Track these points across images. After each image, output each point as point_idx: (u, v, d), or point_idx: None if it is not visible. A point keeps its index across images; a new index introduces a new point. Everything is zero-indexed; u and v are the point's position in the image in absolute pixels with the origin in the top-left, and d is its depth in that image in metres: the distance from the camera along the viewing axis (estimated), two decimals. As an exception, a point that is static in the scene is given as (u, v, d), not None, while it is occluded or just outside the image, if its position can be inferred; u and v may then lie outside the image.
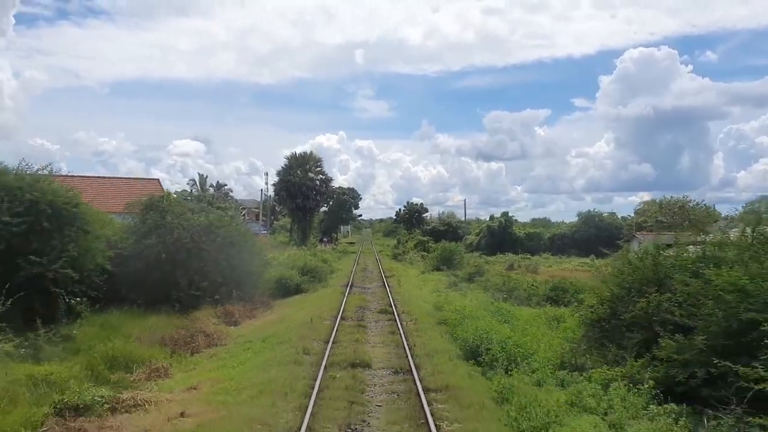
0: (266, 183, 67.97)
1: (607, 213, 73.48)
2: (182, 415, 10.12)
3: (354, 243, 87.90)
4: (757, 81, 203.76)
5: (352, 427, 8.96)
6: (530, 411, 9.04)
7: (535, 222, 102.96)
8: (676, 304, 11.67)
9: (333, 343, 14.60)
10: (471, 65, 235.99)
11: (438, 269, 43.28)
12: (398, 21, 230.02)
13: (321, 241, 74.31)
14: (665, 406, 9.53)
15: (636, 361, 11.44)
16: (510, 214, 73.96)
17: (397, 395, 10.67)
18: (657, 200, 64.87)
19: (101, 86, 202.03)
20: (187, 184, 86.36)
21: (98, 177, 47.66)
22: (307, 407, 9.28)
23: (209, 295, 22.80)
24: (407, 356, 13.11)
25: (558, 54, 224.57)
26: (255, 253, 28.48)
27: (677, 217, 49.02)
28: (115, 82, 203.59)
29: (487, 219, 78.93)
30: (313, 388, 10.42)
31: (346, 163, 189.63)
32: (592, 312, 14.19)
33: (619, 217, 72.32)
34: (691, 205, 56.37)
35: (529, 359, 12.83)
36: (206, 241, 24.44)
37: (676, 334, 10.92)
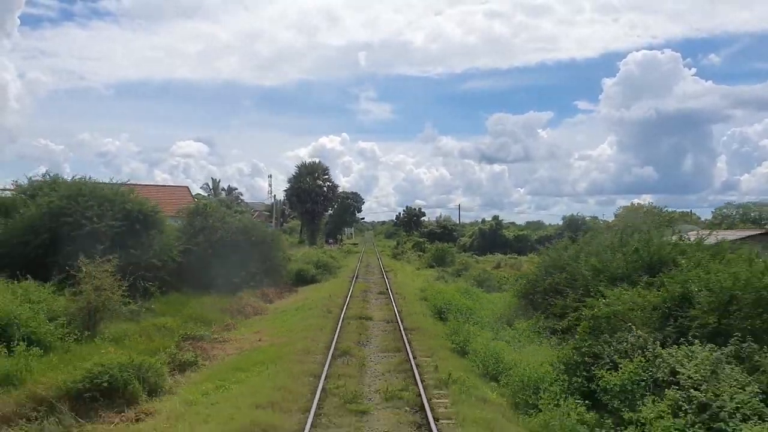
0: (270, 185, 74.71)
1: (589, 217, 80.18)
2: (260, 341, 16.96)
3: (357, 244, 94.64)
4: (761, 84, 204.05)
5: (362, 343, 15.78)
6: (461, 335, 15.83)
7: (529, 224, 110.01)
8: (567, 281, 18.43)
9: (346, 308, 21.42)
10: (474, 68, 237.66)
11: (431, 266, 49.94)
12: (401, 24, 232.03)
13: (326, 242, 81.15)
14: (549, 339, 16.21)
15: (540, 316, 18.18)
16: (500, 218, 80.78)
17: (387, 332, 17.51)
18: (636, 204, 72.10)
19: (105, 88, 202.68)
20: (201, 188, 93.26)
21: (135, 184, 54.41)
22: (335, 334, 16.07)
23: (246, 282, 29.46)
24: (395, 314, 19.94)
25: (561, 57, 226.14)
26: (279, 249, 35.36)
27: (638, 221, 55.82)
28: (120, 83, 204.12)
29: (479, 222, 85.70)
30: (337, 326, 17.23)
31: (348, 164, 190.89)
32: (522, 287, 21.02)
33: (601, 221, 79.02)
34: (662, 209, 63.26)
35: (475, 317, 19.59)
36: (242, 239, 31.29)
37: (565, 298, 17.65)
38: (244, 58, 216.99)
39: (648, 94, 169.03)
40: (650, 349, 10.61)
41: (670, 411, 8.99)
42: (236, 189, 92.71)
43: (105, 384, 11.57)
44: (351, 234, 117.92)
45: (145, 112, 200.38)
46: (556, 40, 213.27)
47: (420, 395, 10.52)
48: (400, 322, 18.31)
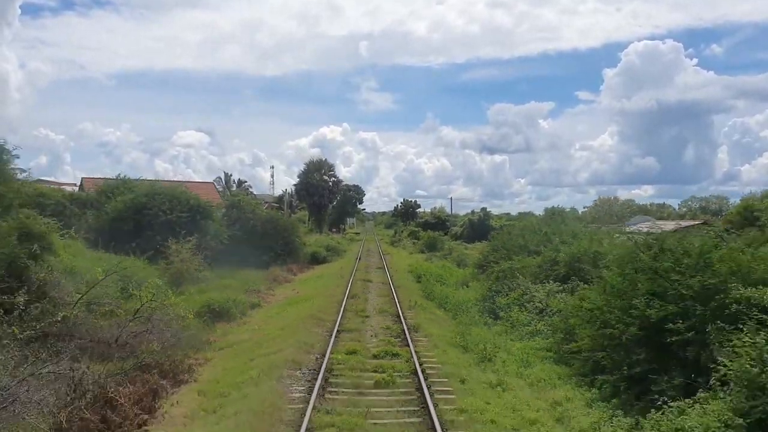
0: (272, 176, 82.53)
1: (569, 208, 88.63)
2: (297, 293, 25.51)
3: (359, 233, 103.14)
4: (763, 75, 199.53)
5: (365, 292, 24.34)
6: (428, 288, 24.39)
7: (520, 216, 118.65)
8: (502, 254, 26.90)
9: (353, 276, 29.98)
10: (476, 58, 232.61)
11: (422, 252, 58.52)
12: (403, 13, 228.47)
13: (330, 230, 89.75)
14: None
15: (484, 278, 26.66)
16: (488, 209, 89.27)
17: (382, 288, 26.13)
18: (612, 198, 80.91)
19: (106, 78, 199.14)
20: (214, 181, 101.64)
21: (166, 181, 63.00)
22: (347, 288, 24.62)
23: (274, 260, 37.93)
24: (388, 279, 28.51)
25: (563, 47, 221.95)
26: (297, 236, 43.91)
27: (602, 213, 64.54)
28: (121, 73, 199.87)
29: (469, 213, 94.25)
30: (348, 284, 25.79)
31: (349, 155, 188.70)
32: (477, 261, 29.59)
33: (580, 212, 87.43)
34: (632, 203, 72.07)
35: (444, 280, 28.13)
36: (269, 227, 39.81)
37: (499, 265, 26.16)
38: (245, 48, 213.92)
39: (649, 85, 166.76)
40: (526, 288, 19.16)
41: (524, 313, 17.54)
42: (246, 182, 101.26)
43: (216, 308, 20.07)
44: (353, 224, 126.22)
45: (146, 102, 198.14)
46: (558, 29, 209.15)
47: (398, 312, 19.04)
48: (390, 283, 26.87)
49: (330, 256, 45.64)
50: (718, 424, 7.61)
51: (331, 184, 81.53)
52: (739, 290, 9.72)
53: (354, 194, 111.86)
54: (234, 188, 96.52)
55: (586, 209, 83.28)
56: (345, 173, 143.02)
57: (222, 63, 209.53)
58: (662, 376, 9.91)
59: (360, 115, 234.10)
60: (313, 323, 16.99)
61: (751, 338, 8.37)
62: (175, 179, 69.83)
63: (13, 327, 11.11)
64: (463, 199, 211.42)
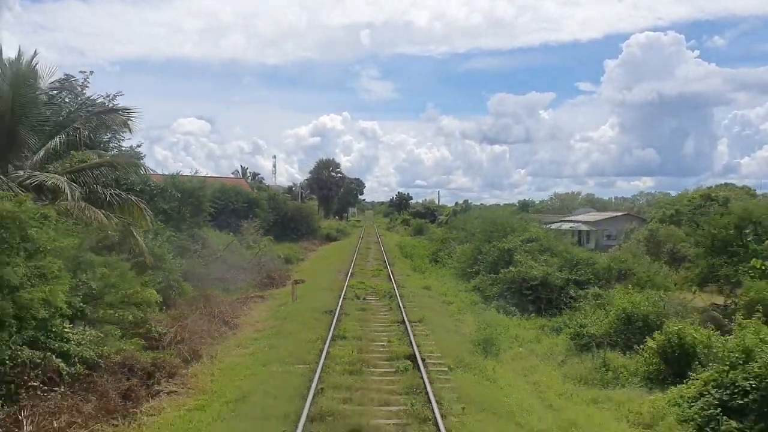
0: (275, 166, 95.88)
1: (539, 201, 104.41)
2: (323, 254, 41.40)
3: (360, 221, 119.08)
4: (764, 67, 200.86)
5: (366, 256, 40.18)
6: (407, 252, 40.28)
7: (506, 206, 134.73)
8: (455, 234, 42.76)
9: (358, 248, 45.85)
10: (477, 47, 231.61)
11: (411, 236, 74.41)
12: (405, 3, 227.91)
13: (334, 218, 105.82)
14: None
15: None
16: (470, 201, 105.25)
17: (377, 254, 41.99)
18: (571, 192, 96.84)
19: (106, 64, 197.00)
20: (232, 174, 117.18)
21: (211, 177, 78.75)
22: (354, 254, 40.45)
23: (301, 237, 53.83)
24: (382, 248, 44.44)
25: (564, 38, 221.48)
26: (315, 221, 59.82)
27: (562, 204, 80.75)
28: (121, 60, 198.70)
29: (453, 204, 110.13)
30: (355, 252, 41.67)
31: (349, 144, 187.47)
32: (438, 236, 45.54)
33: (547, 202, 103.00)
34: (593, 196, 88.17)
35: (416, 249, 43.99)
36: (296, 214, 55.79)
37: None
38: (246, 36, 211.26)
39: (650, 76, 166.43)
40: (453, 248, 34.94)
41: (449, 258, 33.36)
42: (259, 174, 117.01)
43: (287, 257, 35.88)
44: (354, 213, 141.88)
45: (146, 88, 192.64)
46: (559, 20, 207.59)
47: (384, 259, 34.84)
48: (383, 249, 42.72)
49: (340, 236, 61.59)
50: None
51: (337, 179, 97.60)
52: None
53: (355, 186, 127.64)
54: (249, 180, 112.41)
55: (547, 200, 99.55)
56: (345, 162, 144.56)
57: (223, 50, 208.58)
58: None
59: (360, 103, 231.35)
60: (340, 263, 32.96)
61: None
62: (212, 175, 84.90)
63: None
64: (463, 189, 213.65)
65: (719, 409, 9.56)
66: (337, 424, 8.79)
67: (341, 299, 19.73)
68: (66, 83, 21.47)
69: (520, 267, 21.76)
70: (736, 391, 9.55)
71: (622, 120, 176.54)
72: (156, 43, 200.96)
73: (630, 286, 17.11)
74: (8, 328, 9.30)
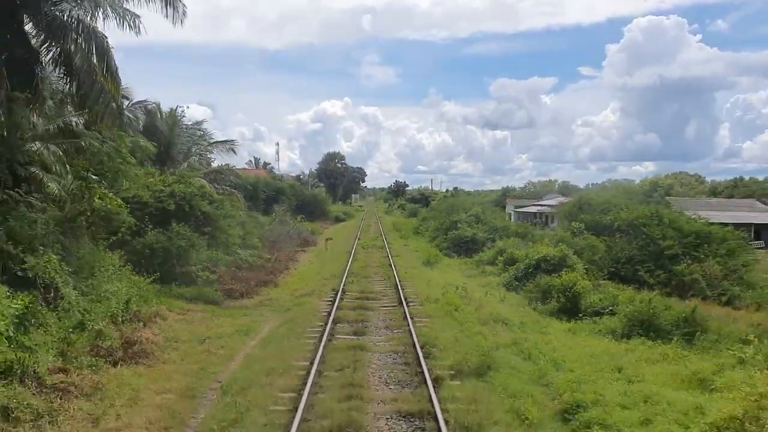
0: (277, 153, 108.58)
1: (519, 187, 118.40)
2: (334, 230, 55.71)
3: (362, 206, 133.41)
4: (766, 51, 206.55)
5: (368, 232, 54.47)
6: (399, 228, 54.61)
7: (492, 192, 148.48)
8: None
9: (361, 228, 60.12)
10: (479, 32, 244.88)
11: (406, 218, 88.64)
12: None
13: (339, 203, 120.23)
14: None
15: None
16: (458, 188, 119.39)
17: (376, 231, 56.31)
18: (547, 179, 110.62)
19: None
20: (246, 164, 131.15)
21: (240, 169, 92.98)
22: (359, 231, 54.72)
23: (316, 218, 68.14)
24: (380, 226, 58.79)
25: (567, 22, 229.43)
26: (327, 205, 74.18)
27: (534, 190, 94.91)
28: (123, 45, 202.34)
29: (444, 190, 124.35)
30: (359, 230, 55.95)
31: (350, 129, 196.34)
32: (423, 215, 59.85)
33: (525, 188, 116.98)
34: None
35: (407, 226, 58.26)
36: (312, 200, 70.24)
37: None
38: (248, 21, 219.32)
39: (652, 61, 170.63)
40: (429, 224, 49.21)
41: (428, 231, 47.70)
42: (269, 164, 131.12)
43: (308, 230, 50.17)
44: (357, 199, 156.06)
45: (148, 74, 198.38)
46: (562, 4, 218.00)
47: (381, 233, 49.13)
48: (380, 227, 56.99)
49: (347, 218, 76.00)
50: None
51: (342, 170, 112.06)
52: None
53: (358, 175, 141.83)
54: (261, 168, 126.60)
55: (527, 187, 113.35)
56: (346, 148, 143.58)
57: (225, 35, 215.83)
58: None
59: (362, 89, 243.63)
60: (348, 235, 47.33)
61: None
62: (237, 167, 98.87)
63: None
64: (465, 175, 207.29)
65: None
66: (358, 276, 23.24)
67: (354, 248, 34.08)
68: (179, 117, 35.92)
69: (459, 231, 36.13)
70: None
71: (624, 105, 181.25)
72: (158, 29, 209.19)
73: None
74: (227, 247, 23.77)
